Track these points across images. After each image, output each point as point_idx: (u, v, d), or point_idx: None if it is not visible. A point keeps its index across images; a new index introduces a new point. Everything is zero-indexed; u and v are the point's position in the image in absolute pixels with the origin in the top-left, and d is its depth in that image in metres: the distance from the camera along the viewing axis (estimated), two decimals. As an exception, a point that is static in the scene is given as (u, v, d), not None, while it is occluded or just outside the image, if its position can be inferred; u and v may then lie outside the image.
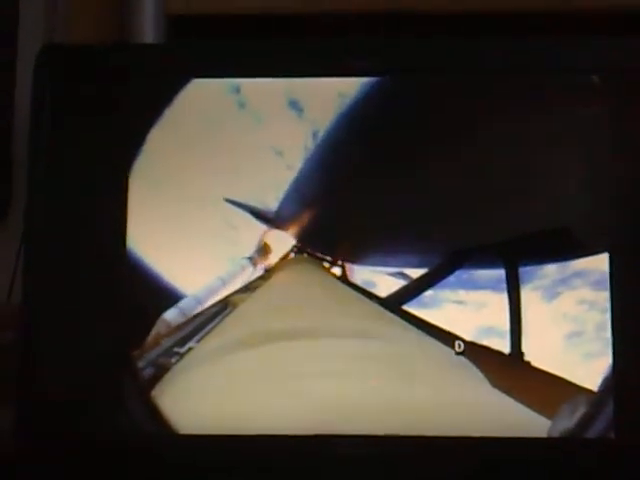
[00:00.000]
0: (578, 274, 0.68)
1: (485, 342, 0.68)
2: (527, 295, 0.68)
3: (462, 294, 0.69)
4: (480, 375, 0.68)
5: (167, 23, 0.88)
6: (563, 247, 0.69)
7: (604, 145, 0.69)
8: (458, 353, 0.69)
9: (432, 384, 0.68)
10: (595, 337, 0.67)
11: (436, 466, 0.68)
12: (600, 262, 0.68)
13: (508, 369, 0.68)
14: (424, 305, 0.69)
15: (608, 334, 0.67)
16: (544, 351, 0.68)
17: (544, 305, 0.68)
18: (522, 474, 0.67)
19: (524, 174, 0.70)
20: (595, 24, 0.81)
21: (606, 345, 0.67)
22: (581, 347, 0.67)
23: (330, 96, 0.71)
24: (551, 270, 0.68)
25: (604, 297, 0.68)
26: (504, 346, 0.68)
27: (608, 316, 0.67)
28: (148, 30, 0.91)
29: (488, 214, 0.70)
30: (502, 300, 0.68)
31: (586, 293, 0.68)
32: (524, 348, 0.68)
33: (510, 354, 0.68)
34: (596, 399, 0.67)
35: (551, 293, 0.68)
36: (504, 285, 0.69)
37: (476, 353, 0.68)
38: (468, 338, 0.68)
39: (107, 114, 0.72)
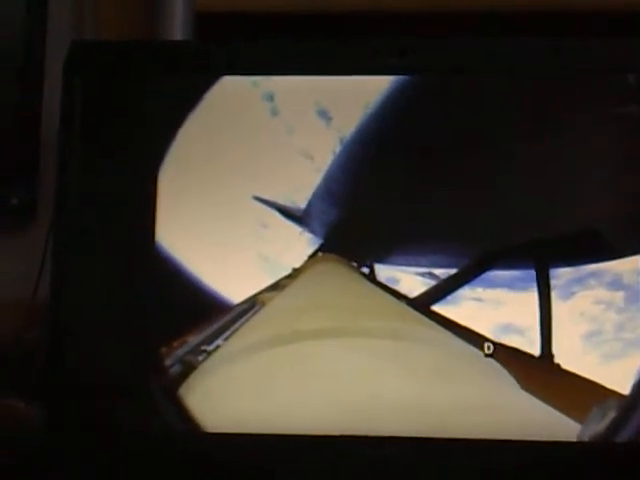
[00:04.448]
0: (593, 274, 0.67)
1: (506, 341, 0.67)
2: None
3: (481, 292, 0.68)
4: (509, 377, 0.67)
5: (197, 20, 0.88)
6: (594, 249, 0.68)
7: (637, 146, 0.69)
8: (487, 355, 0.68)
9: (461, 386, 0.67)
10: (614, 338, 0.67)
11: (465, 469, 0.67)
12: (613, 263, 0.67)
13: (538, 371, 0.67)
14: (450, 304, 0.69)
15: (630, 335, 0.66)
16: (573, 353, 0.67)
17: (561, 304, 0.67)
18: (552, 478, 0.67)
19: (556, 174, 0.69)
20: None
21: (631, 346, 0.66)
22: (601, 348, 0.67)
23: (357, 106, 0.70)
24: (566, 270, 0.68)
25: (620, 297, 0.67)
26: (528, 345, 0.67)
27: (625, 317, 0.67)
28: (177, 27, 0.91)
29: (518, 214, 0.69)
30: (521, 299, 0.68)
31: (602, 293, 0.67)
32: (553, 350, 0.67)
33: (540, 356, 0.67)
34: (627, 403, 0.66)
35: (566, 293, 0.68)
36: (523, 284, 0.68)
37: (505, 355, 0.68)
38: (492, 337, 0.68)
39: (137, 111, 0.72)
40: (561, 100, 0.70)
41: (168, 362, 0.69)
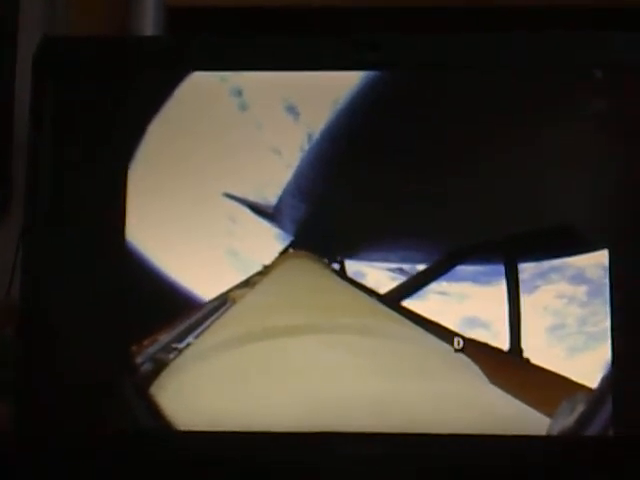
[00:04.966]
0: (555, 269, 0.68)
1: (474, 335, 0.68)
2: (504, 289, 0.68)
3: (446, 286, 0.68)
4: (479, 372, 0.68)
5: (168, 15, 0.87)
6: (563, 244, 0.69)
7: (605, 141, 0.69)
8: (457, 350, 0.68)
9: (430, 381, 0.68)
10: (577, 331, 0.67)
11: (435, 464, 0.68)
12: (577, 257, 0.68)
13: (507, 366, 0.68)
14: (418, 299, 0.69)
15: (593, 328, 0.67)
16: (539, 347, 0.67)
17: (525, 298, 0.68)
18: (521, 472, 0.67)
19: (523, 171, 0.70)
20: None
21: (595, 340, 0.67)
22: (565, 341, 0.67)
23: (325, 101, 0.70)
24: (530, 264, 0.68)
25: (583, 291, 0.67)
26: (496, 340, 0.68)
27: (588, 311, 0.67)
28: (148, 22, 0.91)
29: (488, 210, 0.70)
30: (487, 293, 0.68)
31: (565, 288, 0.68)
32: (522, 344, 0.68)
33: (509, 351, 0.68)
34: (595, 396, 0.67)
35: (530, 287, 0.68)
36: (488, 277, 0.68)
37: (475, 350, 0.68)
38: (459, 331, 0.68)
39: (107, 107, 0.72)
40: (528, 96, 0.70)
41: (139, 360, 0.69)
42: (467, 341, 0.68)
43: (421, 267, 0.69)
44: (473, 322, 0.68)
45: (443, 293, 0.69)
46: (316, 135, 0.70)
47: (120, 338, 0.69)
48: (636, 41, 0.70)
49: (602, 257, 0.68)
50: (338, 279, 0.71)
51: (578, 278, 0.68)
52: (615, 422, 0.66)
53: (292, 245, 0.71)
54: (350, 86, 0.70)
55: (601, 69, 0.69)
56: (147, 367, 0.69)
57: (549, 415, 0.66)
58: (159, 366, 0.69)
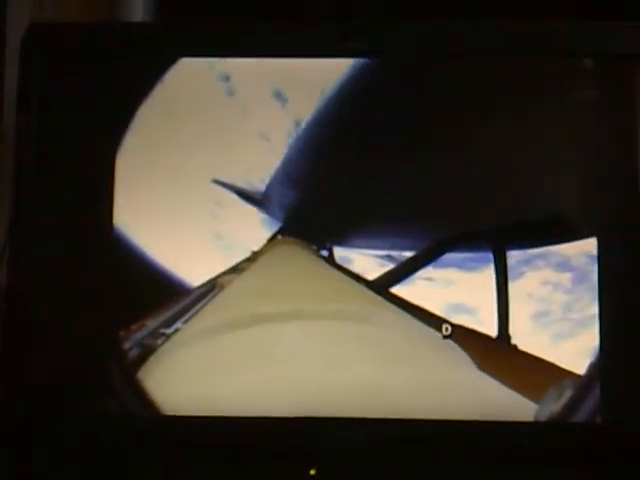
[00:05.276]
0: (541, 256, 0.68)
1: (460, 320, 0.68)
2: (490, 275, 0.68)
3: (433, 272, 0.68)
4: (467, 358, 0.68)
5: (157, 2, 0.87)
6: (551, 232, 0.69)
7: (594, 130, 0.69)
8: (445, 336, 0.68)
9: (419, 367, 0.68)
10: (562, 318, 0.67)
11: (423, 449, 0.68)
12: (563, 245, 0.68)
13: (495, 352, 0.68)
14: (406, 285, 0.69)
15: (578, 315, 0.67)
16: (524, 333, 0.67)
17: (511, 285, 0.68)
18: (508, 457, 0.67)
19: (513, 158, 0.70)
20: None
21: (580, 327, 0.67)
22: (550, 328, 0.67)
23: (313, 88, 0.70)
24: (515, 252, 0.68)
25: (568, 278, 0.67)
26: (484, 326, 0.68)
27: (573, 298, 0.67)
28: (138, 9, 0.90)
29: (477, 198, 0.70)
30: (474, 279, 0.68)
31: (549, 274, 0.68)
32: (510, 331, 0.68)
33: (497, 337, 0.68)
34: (583, 383, 0.67)
35: (515, 274, 0.68)
36: (475, 264, 0.68)
37: (463, 336, 0.68)
38: (446, 317, 0.68)
39: (95, 93, 0.71)
40: (515, 84, 0.70)
41: (127, 345, 0.69)
42: (455, 327, 0.68)
43: (409, 254, 0.69)
44: (461, 308, 0.68)
45: (431, 279, 0.69)
46: (304, 122, 0.70)
47: (108, 323, 0.69)
48: (625, 30, 0.70)
49: (587, 245, 0.68)
50: (326, 266, 0.71)
51: (563, 265, 0.68)
52: (602, 409, 0.66)
53: (281, 232, 0.71)
54: (338, 73, 0.70)
55: (590, 58, 0.69)
56: (135, 352, 0.69)
57: (536, 401, 0.67)
58: (147, 351, 0.69)
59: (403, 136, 0.70)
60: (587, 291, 0.68)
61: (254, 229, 0.71)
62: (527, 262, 0.68)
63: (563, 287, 0.68)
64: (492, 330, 0.68)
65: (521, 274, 0.68)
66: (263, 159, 0.70)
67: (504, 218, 0.69)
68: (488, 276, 0.68)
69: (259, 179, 0.71)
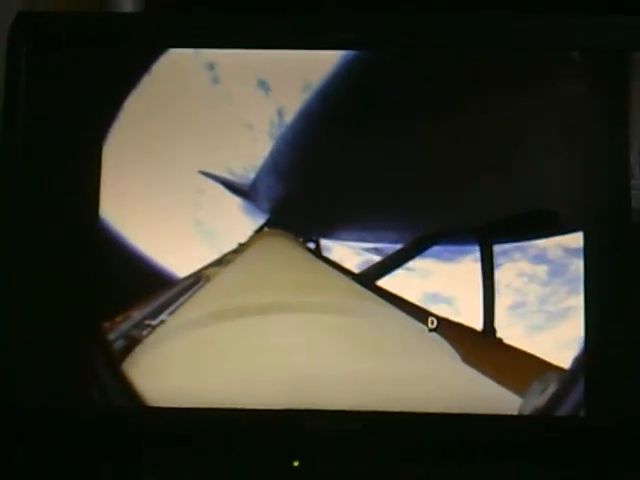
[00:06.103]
0: (518, 247, 0.68)
1: (443, 312, 0.68)
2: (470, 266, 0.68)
3: (417, 264, 0.69)
4: (452, 351, 0.68)
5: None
6: (537, 225, 0.69)
7: (582, 124, 0.69)
8: (431, 329, 0.68)
9: (403, 360, 0.68)
10: (538, 310, 0.68)
11: (406, 442, 0.68)
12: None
13: (480, 345, 0.68)
14: (391, 277, 0.69)
15: (553, 308, 0.67)
16: (508, 327, 0.68)
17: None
18: (492, 451, 0.67)
19: (500, 151, 0.70)
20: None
21: (556, 318, 0.67)
22: (526, 319, 0.67)
23: (296, 80, 0.70)
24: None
25: (543, 270, 0.67)
26: (469, 319, 0.68)
27: (549, 290, 0.67)
28: (127, 1, 0.90)
29: (464, 191, 0.70)
30: (459, 272, 0.68)
31: (525, 266, 0.68)
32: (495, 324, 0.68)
33: (483, 330, 0.68)
34: (567, 377, 0.67)
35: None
36: (463, 257, 0.68)
37: (449, 329, 0.68)
38: (432, 310, 0.68)
39: (82, 83, 0.71)
40: (505, 78, 0.70)
41: (112, 336, 0.69)
42: (441, 320, 0.68)
43: (397, 247, 0.69)
44: (442, 299, 0.68)
45: (415, 271, 0.69)
46: (288, 112, 0.70)
47: (93, 314, 0.69)
48: (616, 24, 0.70)
49: (565, 239, 0.68)
50: (313, 258, 0.71)
51: (539, 258, 0.68)
52: (586, 403, 0.67)
53: (267, 224, 0.71)
54: (325, 65, 0.70)
55: (579, 52, 0.69)
56: (120, 344, 0.69)
57: (521, 395, 0.67)
58: (132, 343, 0.69)
59: (391, 130, 0.70)
60: (563, 284, 0.68)
61: (240, 221, 0.71)
62: (505, 253, 0.68)
63: (539, 279, 0.68)
64: (477, 323, 0.68)
65: (498, 265, 0.68)
66: (246, 147, 0.70)
67: (491, 211, 0.69)
68: (474, 269, 0.68)
69: (242, 167, 0.70)
